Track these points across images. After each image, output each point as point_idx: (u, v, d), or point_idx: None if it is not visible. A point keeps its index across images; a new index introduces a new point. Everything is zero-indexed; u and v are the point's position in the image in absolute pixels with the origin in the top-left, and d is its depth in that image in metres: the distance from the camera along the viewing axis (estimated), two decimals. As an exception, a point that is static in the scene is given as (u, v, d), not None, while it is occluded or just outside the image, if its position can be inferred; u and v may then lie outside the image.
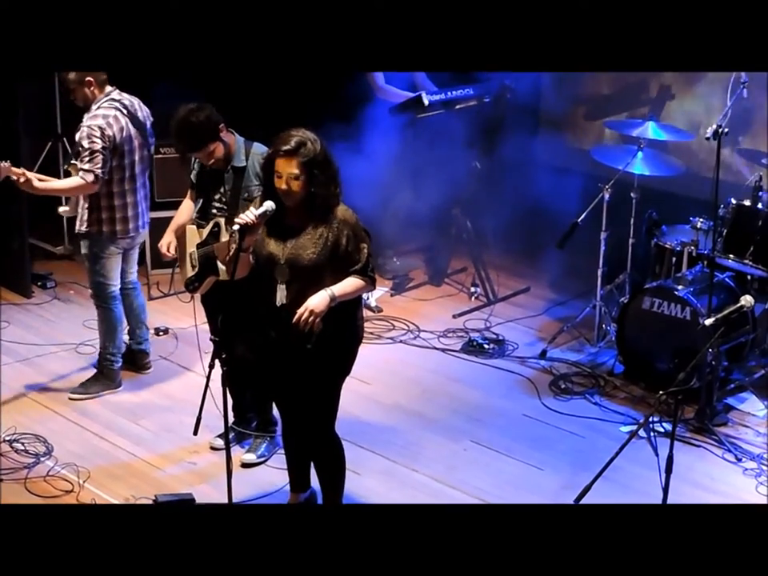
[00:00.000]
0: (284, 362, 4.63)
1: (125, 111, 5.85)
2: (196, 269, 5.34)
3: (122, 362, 6.18)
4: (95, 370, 6.19)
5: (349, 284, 4.41)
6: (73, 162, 5.83)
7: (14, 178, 5.59)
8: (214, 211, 5.28)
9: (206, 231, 5.27)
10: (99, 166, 5.69)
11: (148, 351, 6.39)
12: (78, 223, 5.92)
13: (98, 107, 5.78)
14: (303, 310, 4.33)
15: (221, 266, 5.10)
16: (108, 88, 5.84)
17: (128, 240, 6.04)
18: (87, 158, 5.68)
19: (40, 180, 5.75)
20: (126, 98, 5.92)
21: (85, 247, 5.98)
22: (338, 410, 4.70)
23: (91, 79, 5.75)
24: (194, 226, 5.35)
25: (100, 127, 5.71)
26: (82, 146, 5.70)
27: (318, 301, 4.34)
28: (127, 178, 5.89)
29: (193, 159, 5.34)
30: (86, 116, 5.78)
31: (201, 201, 5.34)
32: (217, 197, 5.27)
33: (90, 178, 5.69)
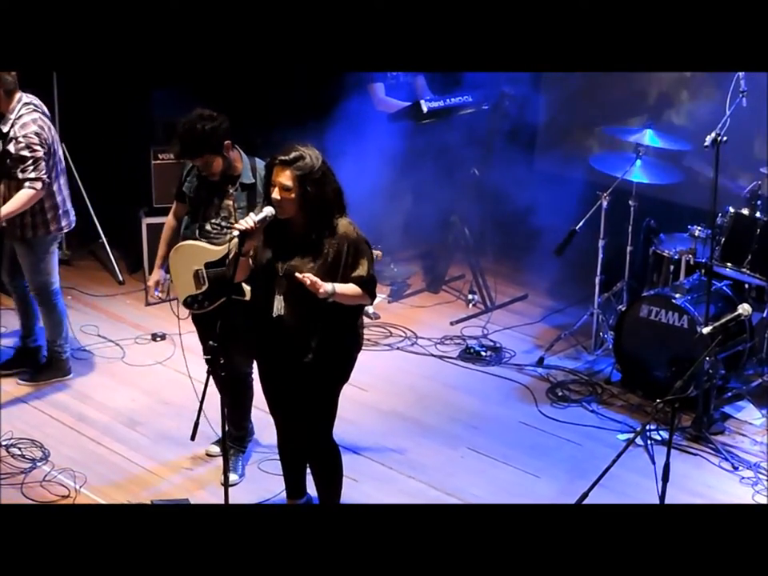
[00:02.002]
0: (281, 370, 4.63)
1: (41, 111, 5.85)
2: (204, 287, 5.17)
3: (69, 351, 6.30)
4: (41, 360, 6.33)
5: (349, 288, 4.40)
6: (20, 175, 5.71)
7: None
8: (209, 228, 5.13)
9: (221, 250, 5.04)
10: (44, 172, 5.75)
11: (41, 345, 6.39)
12: (25, 231, 5.86)
13: (20, 115, 5.73)
14: (306, 277, 4.25)
15: (246, 287, 4.92)
16: (18, 94, 5.78)
17: (61, 235, 6.15)
18: (32, 167, 5.70)
19: None
20: (34, 98, 5.89)
21: (28, 251, 5.98)
22: (335, 416, 4.70)
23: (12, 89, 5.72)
24: (199, 242, 5.15)
25: (37, 134, 5.71)
26: (22, 156, 5.67)
27: (321, 282, 4.29)
28: (59, 174, 5.94)
29: (184, 173, 5.23)
30: (2, 127, 5.73)
31: (196, 216, 5.17)
32: (214, 212, 5.12)
33: (39, 185, 5.73)
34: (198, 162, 5.05)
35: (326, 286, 4.29)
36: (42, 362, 6.34)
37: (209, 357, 4.33)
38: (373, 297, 4.53)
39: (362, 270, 4.43)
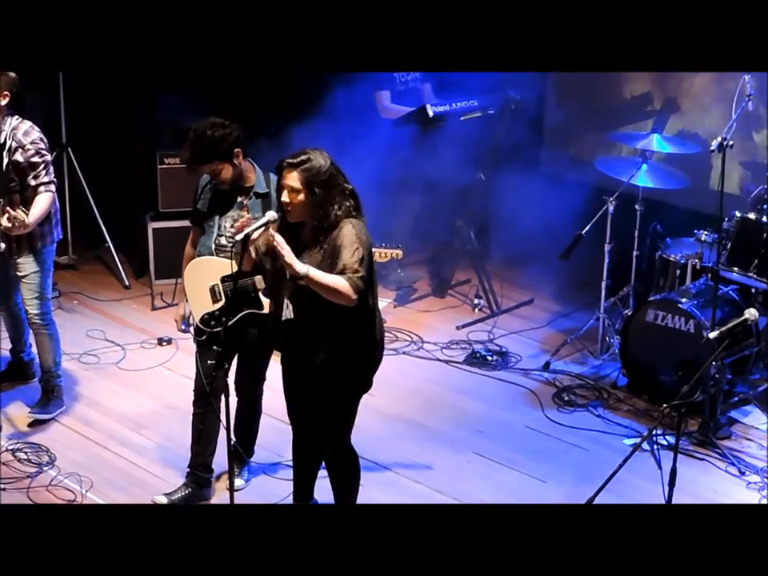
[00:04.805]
0: (295, 374, 4.65)
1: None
2: (221, 302, 5.07)
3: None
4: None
5: (328, 276, 4.30)
6: (33, 182, 5.54)
7: (9, 225, 5.35)
8: (224, 242, 5.04)
9: (236, 263, 4.72)
10: (53, 174, 5.65)
11: (34, 358, 6.25)
12: (35, 242, 5.65)
13: (14, 125, 5.55)
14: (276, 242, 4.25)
15: (264, 299, 4.92)
16: (5, 100, 5.58)
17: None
18: (44, 171, 5.56)
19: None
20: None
21: (37, 264, 5.72)
22: (354, 423, 4.70)
23: (8, 93, 5.53)
24: (213, 258, 5.08)
25: (41, 139, 5.60)
26: (33, 163, 5.53)
27: (293, 258, 4.28)
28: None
29: (199, 192, 5.17)
30: (1, 135, 5.53)
31: (212, 231, 5.09)
32: (228, 223, 5.04)
33: (53, 188, 5.62)
34: (207, 169, 5.01)
35: (298, 265, 4.25)
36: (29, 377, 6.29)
37: (213, 361, 4.32)
38: (355, 288, 4.29)
39: (344, 257, 4.31)
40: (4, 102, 5.54)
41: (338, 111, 7.13)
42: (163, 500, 5.20)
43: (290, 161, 4.36)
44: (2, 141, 5.56)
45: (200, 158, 4.98)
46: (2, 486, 5.32)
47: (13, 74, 5.54)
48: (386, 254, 5.60)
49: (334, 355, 4.46)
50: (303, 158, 4.35)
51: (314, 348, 4.46)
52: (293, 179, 4.35)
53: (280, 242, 4.28)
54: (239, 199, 5.08)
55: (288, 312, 4.49)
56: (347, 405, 4.64)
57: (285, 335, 4.55)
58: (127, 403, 6.21)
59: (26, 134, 5.59)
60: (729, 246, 6.13)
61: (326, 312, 4.39)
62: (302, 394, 4.68)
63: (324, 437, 4.70)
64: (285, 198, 4.38)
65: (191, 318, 5.26)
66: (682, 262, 6.43)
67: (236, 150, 4.98)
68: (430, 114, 7.07)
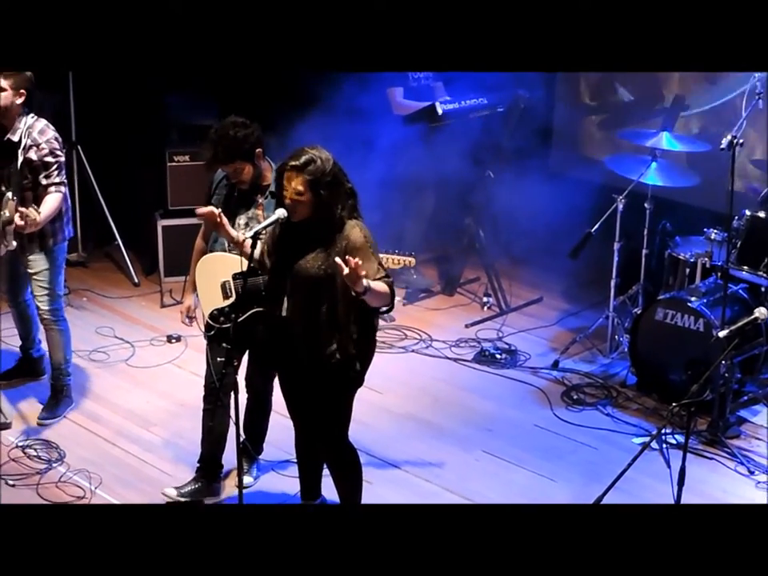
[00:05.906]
0: (293, 371, 4.65)
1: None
2: (231, 298, 5.05)
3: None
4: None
5: (378, 284, 4.30)
6: (44, 181, 5.55)
7: (22, 222, 5.32)
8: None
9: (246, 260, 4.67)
10: (65, 175, 5.66)
11: (44, 354, 6.28)
12: (46, 240, 5.69)
13: (30, 124, 5.58)
14: (354, 263, 4.11)
15: None
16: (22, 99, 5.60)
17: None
18: (57, 172, 5.57)
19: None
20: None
21: (49, 262, 5.75)
22: (350, 419, 4.70)
23: (24, 91, 5.56)
24: (226, 254, 5.08)
25: (56, 139, 5.62)
26: (47, 162, 5.55)
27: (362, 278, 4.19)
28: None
29: (213, 187, 5.17)
30: (12, 137, 5.56)
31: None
32: (243, 221, 5.04)
33: (63, 189, 5.62)
34: (229, 168, 5.00)
35: (363, 283, 4.18)
36: (35, 371, 6.34)
37: (228, 346, 4.31)
38: (393, 292, 4.38)
39: (380, 271, 4.36)
40: (20, 101, 5.56)
41: (348, 109, 7.13)
42: (173, 492, 5.21)
43: (294, 163, 4.31)
44: (18, 139, 5.58)
45: (222, 157, 4.97)
46: (12, 483, 5.34)
47: (29, 73, 5.57)
48: (398, 260, 5.58)
49: (334, 352, 4.43)
50: (306, 159, 4.30)
51: (311, 344, 4.45)
52: (297, 183, 4.30)
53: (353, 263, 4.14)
54: (255, 198, 5.08)
55: (283, 309, 4.49)
56: (346, 400, 4.63)
57: (283, 332, 4.54)
58: (136, 400, 6.22)
59: (41, 132, 5.60)
60: (738, 245, 6.12)
61: (321, 308, 4.39)
62: (299, 390, 4.68)
63: (325, 432, 4.69)
64: (288, 200, 4.35)
65: (196, 312, 5.27)
66: (692, 260, 6.42)
67: (257, 150, 4.98)
68: (440, 111, 7.06)
